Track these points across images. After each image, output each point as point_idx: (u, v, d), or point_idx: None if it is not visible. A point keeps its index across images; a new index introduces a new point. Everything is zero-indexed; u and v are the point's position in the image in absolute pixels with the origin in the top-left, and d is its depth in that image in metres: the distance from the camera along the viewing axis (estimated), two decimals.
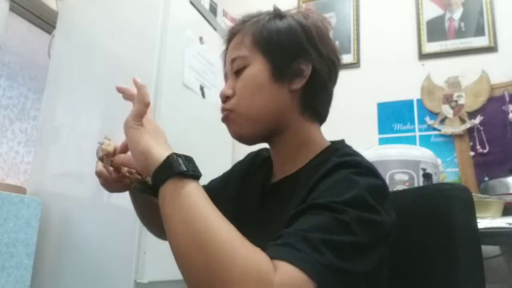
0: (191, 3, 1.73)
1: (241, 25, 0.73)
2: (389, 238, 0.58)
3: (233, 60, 0.71)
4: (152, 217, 0.79)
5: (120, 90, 0.65)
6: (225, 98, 0.70)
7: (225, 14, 2.13)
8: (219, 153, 1.83)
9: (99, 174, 0.69)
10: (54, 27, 1.78)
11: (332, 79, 0.72)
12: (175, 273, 1.65)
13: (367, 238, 0.52)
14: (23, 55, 1.81)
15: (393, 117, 2.01)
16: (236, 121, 0.68)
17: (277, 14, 0.71)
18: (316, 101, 0.70)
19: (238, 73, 0.70)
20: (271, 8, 0.74)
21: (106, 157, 0.65)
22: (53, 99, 1.67)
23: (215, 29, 1.93)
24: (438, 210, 0.70)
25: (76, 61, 1.67)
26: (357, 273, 0.50)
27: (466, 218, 0.69)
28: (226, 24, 2.11)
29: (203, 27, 1.81)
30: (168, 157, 0.52)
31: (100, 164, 0.68)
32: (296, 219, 0.52)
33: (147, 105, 0.59)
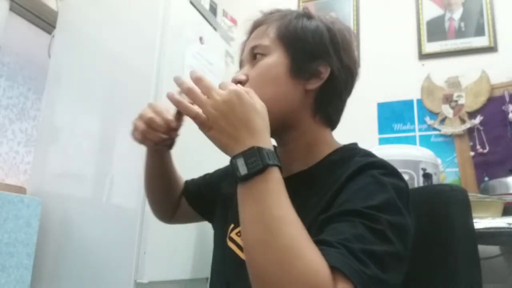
0: (191, 3, 1.73)
1: (266, 17, 0.72)
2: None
3: (253, 48, 0.70)
4: (160, 189, 0.84)
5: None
6: (237, 84, 0.68)
7: (225, 14, 2.13)
8: (219, 153, 1.83)
9: (150, 121, 0.68)
10: (54, 27, 1.77)
11: (347, 89, 0.71)
12: (175, 273, 1.65)
13: (402, 243, 0.52)
14: (23, 55, 1.81)
15: (393, 117, 2.01)
16: None
17: (306, 14, 0.71)
18: (329, 105, 0.70)
19: (255, 61, 0.69)
20: (271, 8, 0.74)
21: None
22: (53, 99, 1.67)
23: (215, 29, 1.93)
24: (437, 211, 0.71)
25: (76, 61, 1.67)
26: (393, 284, 0.50)
27: (464, 218, 0.71)
28: (226, 24, 2.11)
29: (203, 27, 1.81)
30: (230, 162, 0.53)
31: (152, 112, 0.69)
32: (329, 225, 0.52)
33: (196, 116, 0.56)
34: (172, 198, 0.88)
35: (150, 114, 0.69)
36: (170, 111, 0.70)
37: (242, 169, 0.51)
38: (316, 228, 0.53)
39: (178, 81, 0.59)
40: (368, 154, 0.66)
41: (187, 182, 0.92)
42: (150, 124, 0.69)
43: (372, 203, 0.52)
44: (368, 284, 0.46)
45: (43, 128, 1.67)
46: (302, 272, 0.44)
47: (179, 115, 0.69)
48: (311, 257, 0.45)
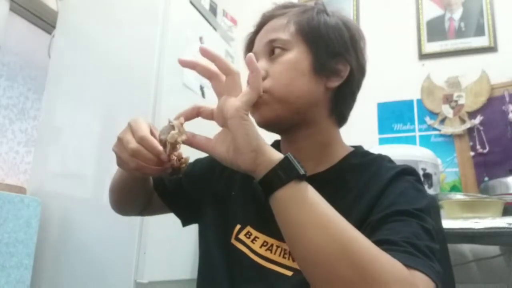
0: (191, 3, 1.73)
1: (282, 10, 0.70)
2: None
3: (271, 41, 0.67)
4: (133, 195, 0.77)
5: (214, 58, 0.54)
6: None
7: (225, 14, 2.13)
8: None
9: (135, 153, 0.55)
10: (54, 27, 1.78)
11: (359, 87, 0.72)
12: (175, 273, 1.64)
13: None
14: (23, 55, 1.81)
15: (393, 117, 2.01)
16: (269, 103, 0.64)
17: (324, 10, 0.69)
18: (344, 105, 0.70)
19: (273, 56, 0.67)
20: (286, 2, 0.73)
21: (171, 145, 0.55)
22: (53, 99, 1.67)
23: (215, 29, 1.93)
24: None
25: (76, 61, 1.67)
26: None
27: (437, 222, 0.79)
28: (226, 24, 2.11)
29: (203, 27, 1.81)
30: (286, 157, 0.50)
31: (136, 141, 0.55)
32: (383, 225, 0.54)
33: (259, 93, 0.52)
34: (143, 200, 0.79)
35: (132, 144, 0.55)
36: (155, 130, 0.59)
37: (300, 168, 0.49)
38: (369, 231, 0.54)
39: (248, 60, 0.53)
40: (390, 159, 0.69)
41: (158, 177, 0.79)
42: (136, 156, 0.55)
43: (419, 206, 0.56)
44: (437, 276, 0.48)
45: (43, 128, 1.67)
46: (383, 272, 0.44)
47: (165, 144, 0.55)
48: (385, 258, 0.46)
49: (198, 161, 0.83)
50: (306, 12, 0.68)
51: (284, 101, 0.64)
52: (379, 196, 0.59)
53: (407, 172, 0.64)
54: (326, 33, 0.66)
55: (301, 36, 0.66)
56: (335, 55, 0.66)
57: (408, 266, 0.46)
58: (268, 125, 0.67)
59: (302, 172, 0.49)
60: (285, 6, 0.71)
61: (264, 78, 0.65)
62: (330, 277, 0.45)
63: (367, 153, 0.71)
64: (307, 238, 0.47)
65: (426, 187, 1.45)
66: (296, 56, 0.65)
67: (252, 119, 0.54)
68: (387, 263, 0.45)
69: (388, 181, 0.61)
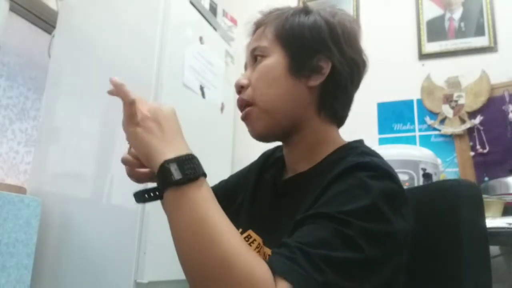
0: (191, 3, 1.73)
1: (265, 17, 0.71)
2: (405, 246, 0.55)
3: (253, 50, 0.69)
4: None
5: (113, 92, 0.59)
6: (240, 88, 0.68)
7: (225, 14, 2.13)
8: (219, 153, 1.83)
9: (124, 161, 0.64)
10: (54, 27, 1.78)
11: (354, 82, 0.69)
12: (175, 273, 1.64)
13: (378, 251, 0.50)
14: (23, 55, 1.81)
15: (393, 117, 2.00)
16: (257, 115, 0.66)
17: (304, 9, 0.69)
18: (334, 101, 0.68)
19: (255, 64, 0.68)
20: (271, 7, 0.73)
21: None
22: (53, 99, 1.67)
23: (215, 29, 1.93)
24: (445, 208, 0.68)
25: (76, 61, 1.67)
26: None
27: (473, 215, 0.66)
28: (226, 24, 2.11)
29: (203, 27, 1.81)
30: (161, 166, 0.51)
31: (127, 151, 0.65)
32: (300, 227, 0.51)
33: (132, 103, 0.55)
34: None
35: (124, 154, 0.65)
36: None
37: (177, 174, 0.50)
38: (292, 228, 0.53)
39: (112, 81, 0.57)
40: (364, 153, 0.62)
41: None
42: (126, 164, 0.64)
43: (348, 208, 0.50)
44: None
45: (43, 128, 1.67)
46: (242, 277, 0.45)
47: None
48: (251, 263, 0.46)
49: (231, 176, 0.88)
50: (282, 15, 0.68)
51: (266, 109, 0.65)
52: (324, 192, 0.55)
53: (362, 167, 0.55)
54: (300, 33, 0.66)
55: (277, 40, 0.67)
56: (314, 53, 0.65)
57: (277, 273, 0.46)
58: (259, 137, 0.68)
59: (172, 180, 0.50)
60: (270, 12, 0.71)
61: (247, 87, 0.67)
62: (194, 277, 0.48)
63: (351, 148, 0.66)
64: (177, 240, 0.50)
65: None
66: (272, 61, 0.66)
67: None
68: (247, 266, 0.45)
69: (334, 177, 0.56)
